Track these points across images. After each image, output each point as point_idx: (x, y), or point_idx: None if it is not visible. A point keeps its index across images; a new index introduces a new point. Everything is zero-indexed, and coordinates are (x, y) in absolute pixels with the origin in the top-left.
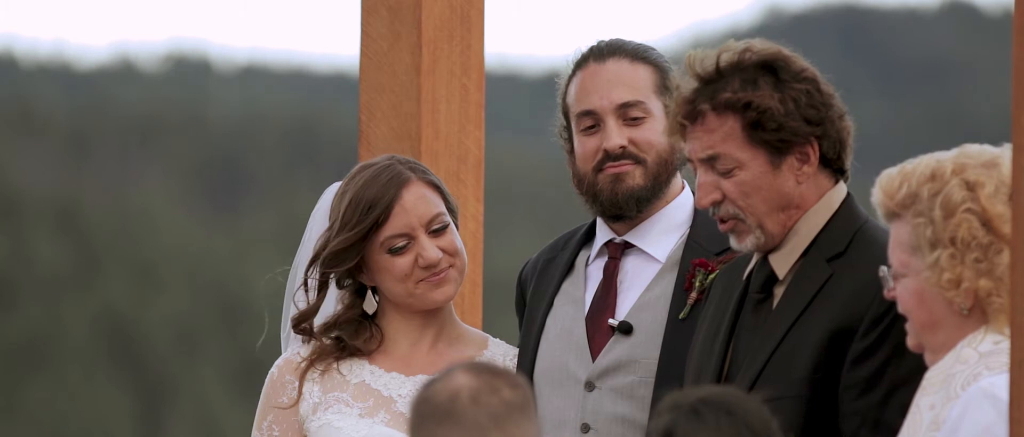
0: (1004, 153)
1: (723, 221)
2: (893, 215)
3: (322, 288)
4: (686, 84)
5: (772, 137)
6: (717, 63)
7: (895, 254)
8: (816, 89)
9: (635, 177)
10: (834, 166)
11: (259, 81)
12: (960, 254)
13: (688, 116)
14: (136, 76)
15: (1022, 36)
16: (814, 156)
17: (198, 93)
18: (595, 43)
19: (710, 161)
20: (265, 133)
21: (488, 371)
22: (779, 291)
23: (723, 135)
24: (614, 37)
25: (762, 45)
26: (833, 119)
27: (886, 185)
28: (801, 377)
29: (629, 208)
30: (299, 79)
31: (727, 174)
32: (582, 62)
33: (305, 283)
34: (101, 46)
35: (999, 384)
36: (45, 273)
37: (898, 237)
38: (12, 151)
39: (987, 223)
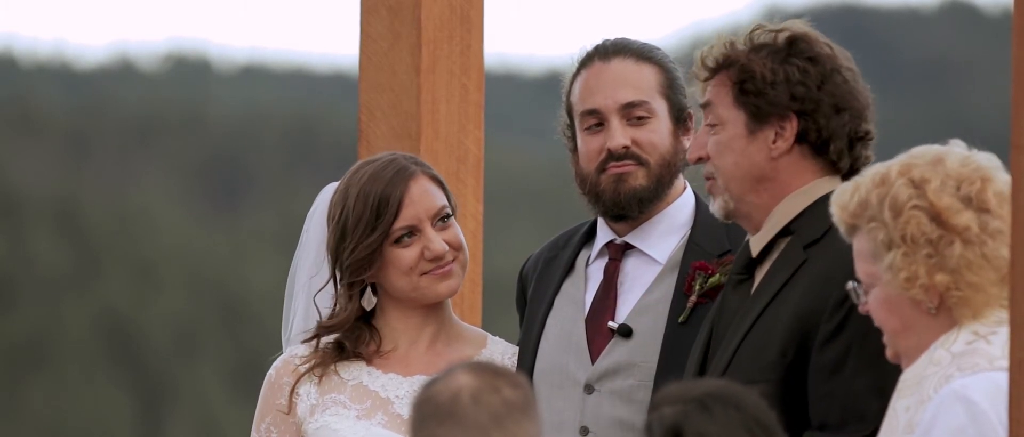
0: (950, 150)
1: (707, 179)
2: (852, 228)
3: (351, 297)
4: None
5: (751, 101)
6: (750, 35)
7: (860, 267)
8: (822, 73)
9: (638, 178)
10: (828, 157)
11: (259, 81)
12: (912, 251)
13: (706, 70)
14: (136, 76)
15: (1022, 36)
16: (790, 134)
17: (198, 93)
18: (600, 42)
19: (705, 109)
20: (265, 133)
21: (489, 371)
22: (759, 276)
23: (717, 89)
24: (619, 36)
25: (797, 25)
26: (825, 107)
27: (839, 199)
28: (772, 361)
29: (631, 209)
30: (299, 79)
31: (712, 129)
32: (587, 60)
33: (337, 287)
34: (100, 46)
35: (971, 386)
36: (45, 273)
37: (860, 249)
38: (12, 151)
39: (936, 217)
